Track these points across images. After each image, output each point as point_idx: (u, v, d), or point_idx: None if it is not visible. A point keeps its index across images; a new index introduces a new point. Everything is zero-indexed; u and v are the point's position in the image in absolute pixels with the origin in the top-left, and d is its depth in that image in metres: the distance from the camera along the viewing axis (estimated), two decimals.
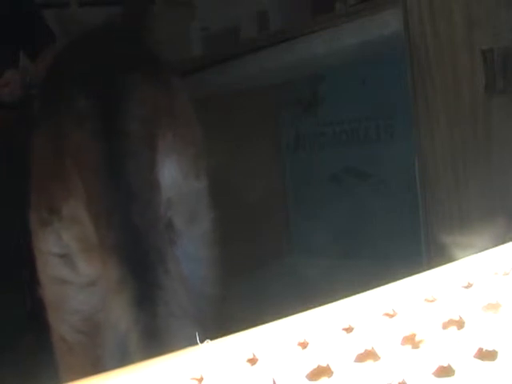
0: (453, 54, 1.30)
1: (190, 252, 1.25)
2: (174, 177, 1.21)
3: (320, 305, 0.58)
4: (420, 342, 0.49)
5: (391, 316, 0.54)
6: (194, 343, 0.53)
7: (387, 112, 2.20)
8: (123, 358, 1.08)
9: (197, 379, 0.49)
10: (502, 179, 1.24)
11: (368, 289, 0.60)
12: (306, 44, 2.21)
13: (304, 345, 0.52)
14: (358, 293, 0.60)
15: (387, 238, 2.10)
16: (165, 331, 1.05)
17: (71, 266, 1.19)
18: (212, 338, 0.54)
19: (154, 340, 1.04)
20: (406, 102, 1.44)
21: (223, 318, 1.29)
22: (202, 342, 0.53)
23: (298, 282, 2.20)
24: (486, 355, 0.46)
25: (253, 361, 0.50)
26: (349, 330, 0.53)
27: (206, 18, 2.95)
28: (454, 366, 0.45)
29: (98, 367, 1.14)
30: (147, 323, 1.05)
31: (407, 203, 1.79)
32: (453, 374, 0.45)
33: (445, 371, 0.45)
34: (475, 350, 0.46)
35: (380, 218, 2.21)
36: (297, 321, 0.56)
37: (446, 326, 0.51)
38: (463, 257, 0.64)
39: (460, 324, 0.51)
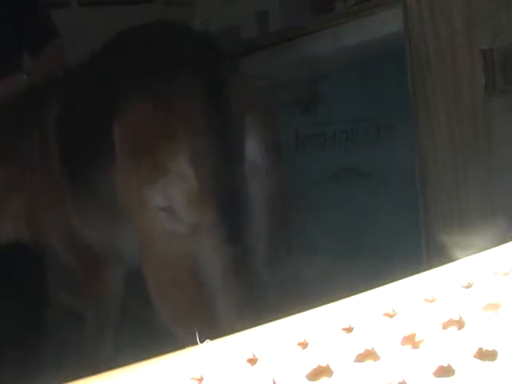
0: (453, 54, 1.30)
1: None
2: (255, 148, 1.47)
3: (320, 305, 0.58)
4: (420, 341, 0.49)
5: (391, 316, 0.54)
6: (194, 342, 0.53)
7: (387, 112, 2.20)
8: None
9: (197, 379, 0.49)
10: (502, 179, 1.24)
11: (368, 289, 0.60)
12: (305, 44, 2.21)
13: (304, 345, 0.52)
14: (358, 293, 0.60)
15: (387, 238, 2.09)
16: (245, 271, 1.33)
17: (174, 217, 1.37)
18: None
19: (237, 277, 1.32)
20: (406, 101, 1.44)
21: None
22: (201, 341, 0.53)
23: (297, 281, 2.19)
24: (486, 355, 0.46)
25: (253, 361, 0.50)
26: (349, 330, 0.53)
27: (206, 18, 2.95)
28: (454, 366, 0.45)
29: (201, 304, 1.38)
30: (231, 263, 1.32)
31: (407, 203, 1.78)
32: (453, 374, 0.45)
33: (445, 371, 0.45)
34: (475, 350, 0.46)
35: (380, 217, 2.20)
36: (297, 321, 0.56)
37: (446, 325, 0.51)
38: (463, 257, 0.64)
39: (460, 324, 0.51)
